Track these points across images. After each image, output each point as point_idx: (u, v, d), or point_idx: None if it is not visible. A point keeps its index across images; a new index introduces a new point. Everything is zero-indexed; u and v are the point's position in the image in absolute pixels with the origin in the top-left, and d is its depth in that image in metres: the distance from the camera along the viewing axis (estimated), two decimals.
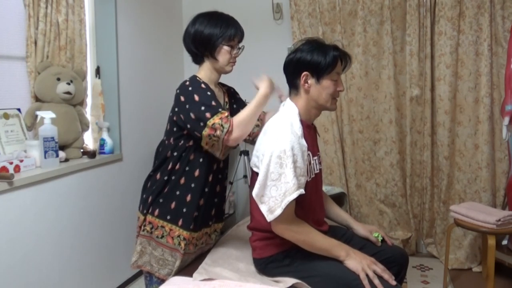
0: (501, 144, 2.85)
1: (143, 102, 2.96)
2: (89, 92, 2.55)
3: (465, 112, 2.93)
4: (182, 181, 1.75)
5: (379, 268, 1.47)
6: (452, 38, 2.88)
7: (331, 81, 1.57)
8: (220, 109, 1.59)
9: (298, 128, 1.53)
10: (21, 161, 2.00)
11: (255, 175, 1.57)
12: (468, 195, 2.94)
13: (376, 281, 1.42)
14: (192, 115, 1.60)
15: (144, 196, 1.83)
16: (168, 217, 1.75)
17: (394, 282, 1.46)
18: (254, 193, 1.50)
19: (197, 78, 1.71)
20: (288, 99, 1.64)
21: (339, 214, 1.87)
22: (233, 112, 1.84)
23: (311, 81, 1.57)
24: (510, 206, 2.68)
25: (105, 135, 2.57)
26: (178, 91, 1.69)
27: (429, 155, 3.02)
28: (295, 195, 1.43)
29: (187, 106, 1.62)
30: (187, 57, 1.86)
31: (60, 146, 2.23)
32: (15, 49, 2.15)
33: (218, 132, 1.55)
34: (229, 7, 3.57)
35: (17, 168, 1.97)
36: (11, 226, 1.91)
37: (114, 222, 2.64)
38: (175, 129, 1.74)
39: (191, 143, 1.71)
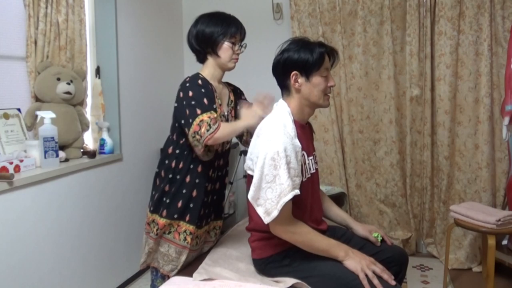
0: (501, 144, 2.85)
1: (143, 102, 2.96)
2: (89, 92, 2.55)
3: (465, 112, 2.93)
4: (188, 179, 1.78)
5: (379, 268, 1.47)
6: (452, 38, 2.88)
7: (321, 78, 1.57)
8: (211, 109, 1.63)
9: (291, 129, 1.52)
10: (21, 161, 2.00)
11: (250, 178, 1.57)
12: (468, 195, 2.94)
13: (376, 281, 1.42)
14: (187, 111, 1.65)
15: (152, 192, 1.88)
16: (176, 216, 1.79)
17: (393, 282, 1.46)
18: (249, 196, 1.50)
19: (199, 75, 1.75)
20: (280, 100, 1.65)
21: (338, 214, 1.87)
22: (236, 113, 1.86)
23: (301, 79, 1.57)
24: (510, 206, 2.68)
25: (105, 135, 2.57)
26: (179, 87, 1.74)
27: (429, 155, 3.02)
28: (290, 196, 1.43)
29: (184, 102, 1.67)
30: (187, 57, 1.87)
31: (60, 146, 2.23)
32: (15, 49, 2.16)
33: (202, 130, 1.59)
34: (229, 7, 3.57)
35: (17, 168, 1.97)
36: (11, 226, 1.91)
37: (114, 222, 2.64)
38: (176, 124, 1.78)
39: None
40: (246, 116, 1.70)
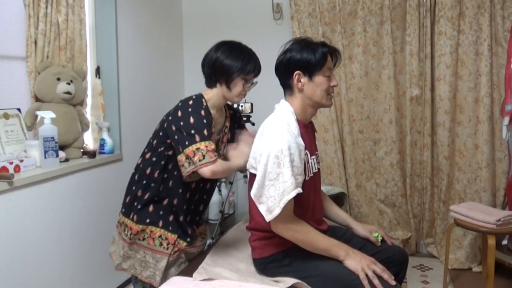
0: (501, 144, 2.85)
1: (143, 102, 2.96)
2: (89, 92, 2.55)
3: (465, 112, 2.93)
4: (161, 188, 1.79)
5: (379, 268, 1.47)
6: (452, 38, 2.88)
7: (323, 77, 1.58)
8: (209, 139, 1.62)
9: (294, 128, 1.53)
10: (21, 161, 2.00)
11: (252, 176, 1.57)
12: (468, 195, 2.94)
13: (376, 281, 1.42)
14: (183, 132, 1.63)
15: (125, 194, 1.88)
16: (148, 221, 1.79)
17: (393, 282, 1.46)
18: (252, 193, 1.50)
19: (202, 100, 1.72)
20: (282, 100, 1.65)
21: (339, 214, 1.87)
22: (231, 138, 1.88)
23: (304, 79, 1.57)
24: (510, 206, 2.68)
25: (105, 135, 2.57)
26: (180, 104, 1.71)
27: (429, 155, 3.02)
28: (293, 193, 1.43)
29: (181, 123, 1.65)
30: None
31: (60, 146, 2.23)
32: (15, 49, 2.15)
33: (195, 158, 1.58)
34: (229, 7, 3.58)
35: (17, 168, 1.97)
36: (11, 226, 1.91)
37: (114, 222, 2.62)
38: (161, 133, 1.76)
39: (170, 152, 1.74)
40: (235, 157, 1.71)
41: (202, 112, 1.67)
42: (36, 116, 2.18)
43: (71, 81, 2.27)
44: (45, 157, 2.08)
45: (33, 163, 2.07)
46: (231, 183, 3.23)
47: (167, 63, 3.28)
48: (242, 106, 2.92)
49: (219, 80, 1.74)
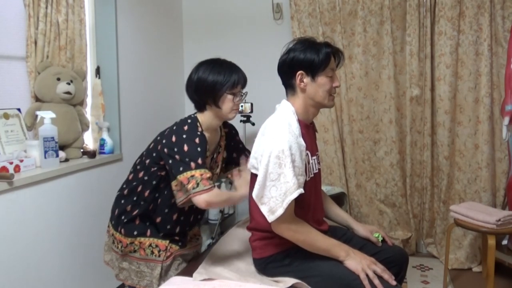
0: (501, 144, 2.85)
1: (143, 102, 2.96)
2: (89, 92, 2.55)
3: (465, 112, 2.93)
4: (151, 207, 1.80)
5: (379, 268, 1.47)
6: (452, 38, 2.88)
7: (326, 78, 1.57)
8: (204, 167, 1.60)
9: (296, 128, 1.53)
10: (21, 161, 2.00)
11: (253, 176, 1.57)
12: (468, 195, 2.94)
13: (376, 281, 1.42)
14: (177, 157, 1.62)
15: (113, 204, 1.89)
16: (135, 233, 1.80)
17: (394, 282, 1.46)
18: (254, 194, 1.50)
19: (197, 124, 1.71)
20: (283, 100, 1.65)
21: (339, 214, 1.87)
22: (226, 157, 1.88)
23: (307, 79, 1.57)
24: (510, 206, 2.68)
25: (105, 135, 2.57)
26: (174, 127, 1.70)
27: (429, 155, 3.02)
28: (295, 194, 1.43)
29: (175, 149, 1.63)
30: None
31: (60, 146, 2.23)
32: (15, 49, 2.15)
33: (189, 186, 1.56)
34: (229, 7, 3.57)
35: (17, 168, 1.97)
36: (11, 226, 1.91)
37: None
38: (154, 154, 1.76)
39: (163, 173, 1.74)
40: (241, 186, 1.67)
41: (197, 140, 1.64)
42: (36, 116, 2.18)
43: (71, 81, 2.27)
44: (45, 157, 2.08)
45: (33, 163, 2.07)
46: (231, 183, 3.23)
47: (167, 63, 3.28)
48: (242, 106, 2.91)
49: (207, 101, 1.71)
